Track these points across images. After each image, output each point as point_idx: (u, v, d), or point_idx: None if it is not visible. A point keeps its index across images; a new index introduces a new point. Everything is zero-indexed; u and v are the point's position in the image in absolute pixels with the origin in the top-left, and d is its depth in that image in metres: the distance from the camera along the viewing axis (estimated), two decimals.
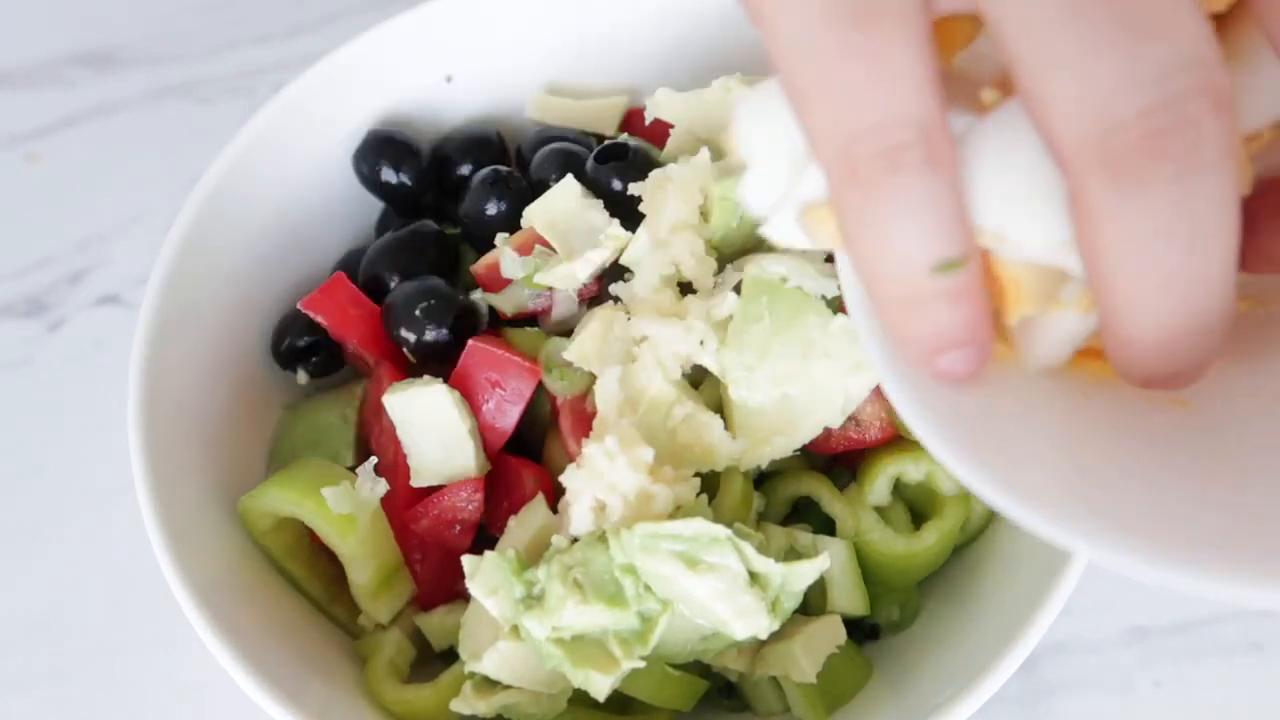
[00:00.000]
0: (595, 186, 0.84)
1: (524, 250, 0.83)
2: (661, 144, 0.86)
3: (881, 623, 0.83)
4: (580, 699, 0.74)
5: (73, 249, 1.09)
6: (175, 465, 0.81)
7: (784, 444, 0.75)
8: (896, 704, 0.76)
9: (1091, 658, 0.94)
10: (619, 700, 0.76)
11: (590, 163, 0.85)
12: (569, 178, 0.83)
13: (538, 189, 0.85)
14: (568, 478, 0.74)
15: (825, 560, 0.73)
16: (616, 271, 0.81)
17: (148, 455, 0.79)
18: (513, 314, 0.84)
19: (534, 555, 0.75)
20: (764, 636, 0.73)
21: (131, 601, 0.95)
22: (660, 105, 0.84)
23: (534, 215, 0.83)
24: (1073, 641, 0.94)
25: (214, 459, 0.85)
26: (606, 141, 0.88)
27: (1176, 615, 0.95)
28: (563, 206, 0.82)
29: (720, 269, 0.78)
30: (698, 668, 0.79)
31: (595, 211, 0.82)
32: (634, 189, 0.80)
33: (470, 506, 0.80)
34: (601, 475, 0.73)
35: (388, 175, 0.92)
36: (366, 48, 0.91)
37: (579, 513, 0.73)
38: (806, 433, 0.75)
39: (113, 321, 1.06)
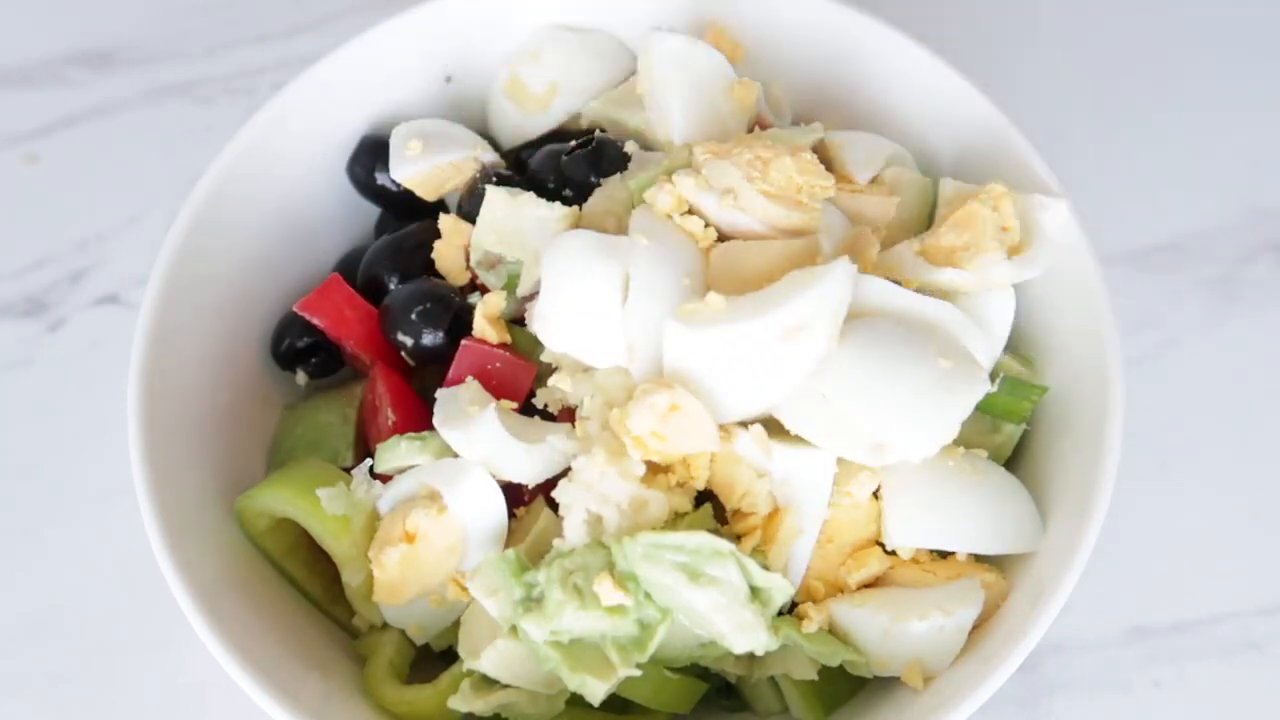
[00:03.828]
0: (570, 180, 0.85)
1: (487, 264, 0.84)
2: None
3: None
4: (578, 699, 0.74)
5: (72, 249, 1.09)
6: (175, 465, 0.81)
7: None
8: (896, 704, 0.77)
9: (1091, 658, 0.93)
10: (618, 701, 0.76)
11: (563, 157, 0.86)
12: (488, 191, 0.83)
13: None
14: (559, 491, 0.74)
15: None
16: None
17: (147, 455, 0.79)
18: (510, 319, 0.84)
19: (535, 557, 0.75)
20: (761, 653, 0.73)
21: (131, 601, 0.95)
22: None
23: (483, 240, 0.83)
24: (1073, 641, 0.94)
25: (214, 459, 0.85)
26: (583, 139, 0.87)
27: (1176, 615, 0.95)
28: (501, 214, 0.82)
29: None
30: (696, 669, 0.79)
31: (529, 204, 0.82)
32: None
33: None
34: (592, 487, 0.73)
35: (382, 180, 0.91)
36: (366, 48, 0.91)
37: (572, 525, 0.73)
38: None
39: (112, 321, 1.06)
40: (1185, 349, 1.04)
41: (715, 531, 0.74)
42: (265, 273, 0.91)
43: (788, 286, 0.71)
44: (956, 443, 0.74)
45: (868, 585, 0.78)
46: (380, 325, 0.86)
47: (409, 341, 0.85)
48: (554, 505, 0.76)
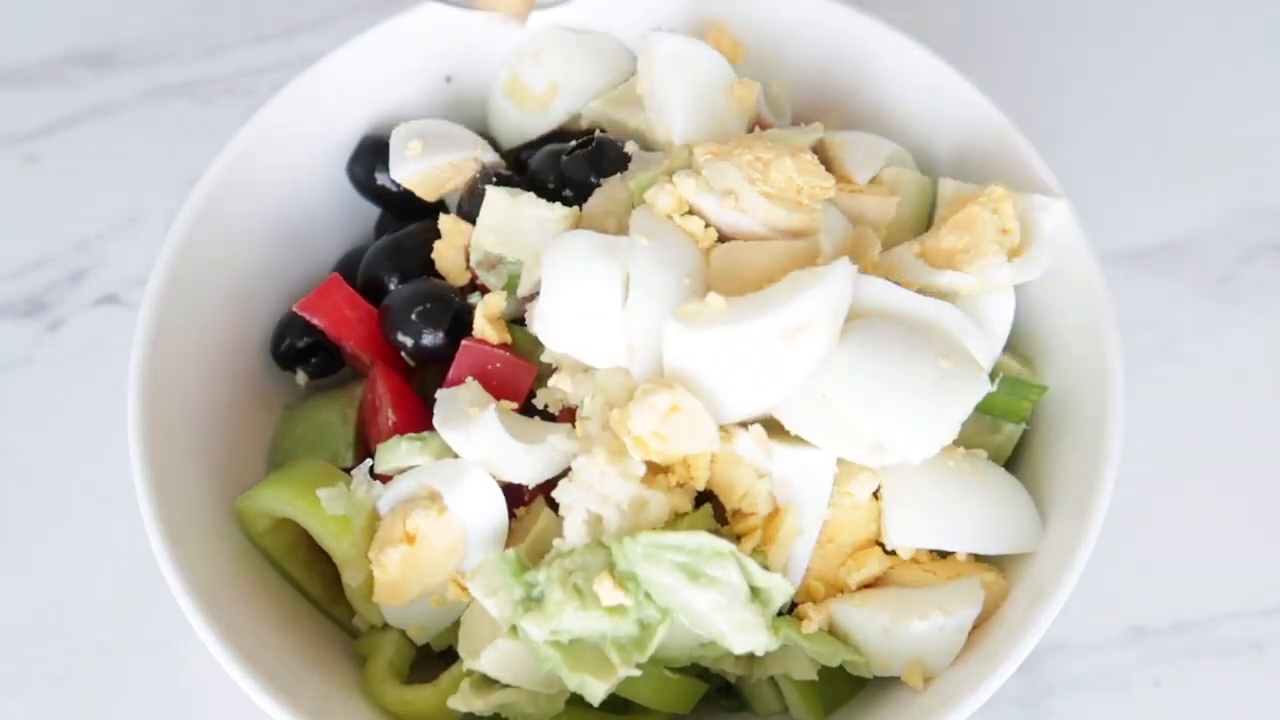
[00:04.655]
0: (570, 180, 0.85)
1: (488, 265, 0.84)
2: None
3: None
4: (579, 699, 0.74)
5: (72, 249, 1.09)
6: (175, 466, 0.81)
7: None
8: (896, 704, 0.76)
9: (1091, 658, 0.93)
10: (618, 701, 0.76)
11: (563, 157, 0.86)
12: (488, 191, 0.83)
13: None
14: (559, 491, 0.74)
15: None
16: None
17: (147, 455, 0.79)
18: (510, 320, 0.84)
19: (535, 557, 0.75)
20: (761, 653, 0.73)
21: (131, 602, 0.95)
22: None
23: (483, 240, 0.83)
24: (1073, 641, 0.94)
25: (214, 459, 0.85)
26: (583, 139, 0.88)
27: (1176, 615, 0.95)
28: (501, 215, 0.82)
29: None
30: (696, 669, 0.79)
31: (529, 204, 0.82)
32: None
33: None
34: (592, 487, 0.73)
35: (382, 180, 0.91)
36: (365, 48, 0.91)
37: (573, 525, 0.73)
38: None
39: (112, 321, 1.06)
40: (1185, 349, 1.04)
41: (715, 531, 0.74)
42: (265, 273, 0.91)
43: (788, 287, 0.71)
44: (956, 443, 0.74)
45: (868, 585, 0.78)
46: (380, 325, 0.86)
47: (409, 341, 0.85)
48: (554, 505, 0.76)
